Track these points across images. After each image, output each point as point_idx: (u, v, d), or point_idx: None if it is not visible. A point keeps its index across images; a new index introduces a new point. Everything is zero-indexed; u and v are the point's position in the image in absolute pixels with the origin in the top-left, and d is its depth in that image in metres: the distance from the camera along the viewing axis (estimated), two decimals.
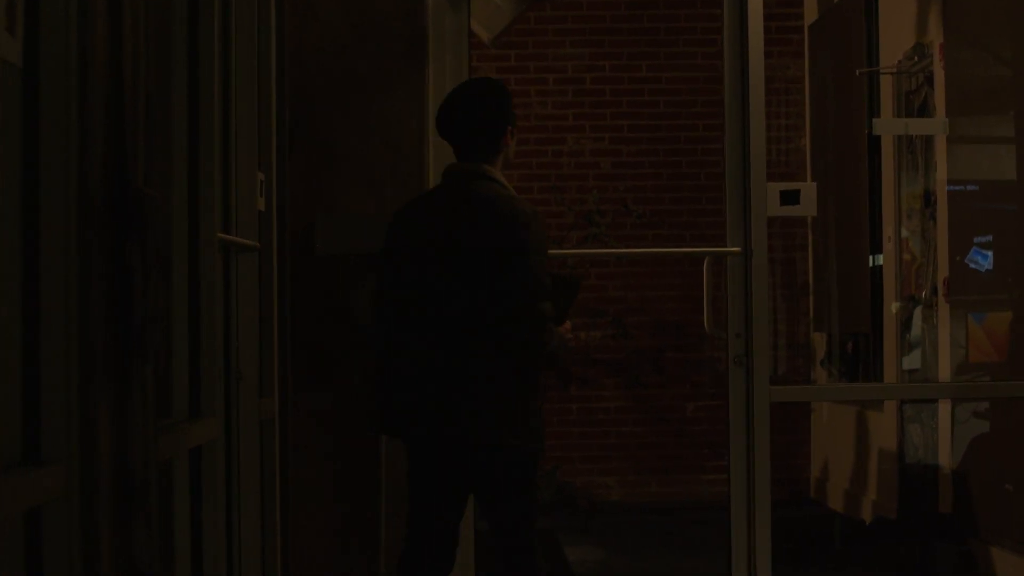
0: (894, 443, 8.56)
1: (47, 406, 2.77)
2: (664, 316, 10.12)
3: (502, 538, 4.81)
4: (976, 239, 7.48)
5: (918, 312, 8.31)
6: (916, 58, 8.19)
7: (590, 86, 10.31)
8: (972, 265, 7.51)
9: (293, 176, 5.70)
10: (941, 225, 7.85)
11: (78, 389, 2.77)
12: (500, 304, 4.70)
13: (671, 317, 10.10)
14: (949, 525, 7.58)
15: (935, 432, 8.04)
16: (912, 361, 8.40)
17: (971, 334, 7.54)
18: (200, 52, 4.32)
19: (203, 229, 4.28)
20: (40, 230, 2.77)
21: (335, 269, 5.74)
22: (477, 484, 4.81)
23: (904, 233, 8.45)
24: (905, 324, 8.45)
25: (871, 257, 8.61)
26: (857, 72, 8.37)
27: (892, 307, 8.58)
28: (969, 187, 7.73)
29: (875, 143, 8.52)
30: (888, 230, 8.56)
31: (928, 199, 8.16)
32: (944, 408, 7.86)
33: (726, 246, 5.79)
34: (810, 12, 9.89)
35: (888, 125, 8.26)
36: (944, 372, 7.78)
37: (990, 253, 7.39)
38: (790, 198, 5.73)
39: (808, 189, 5.79)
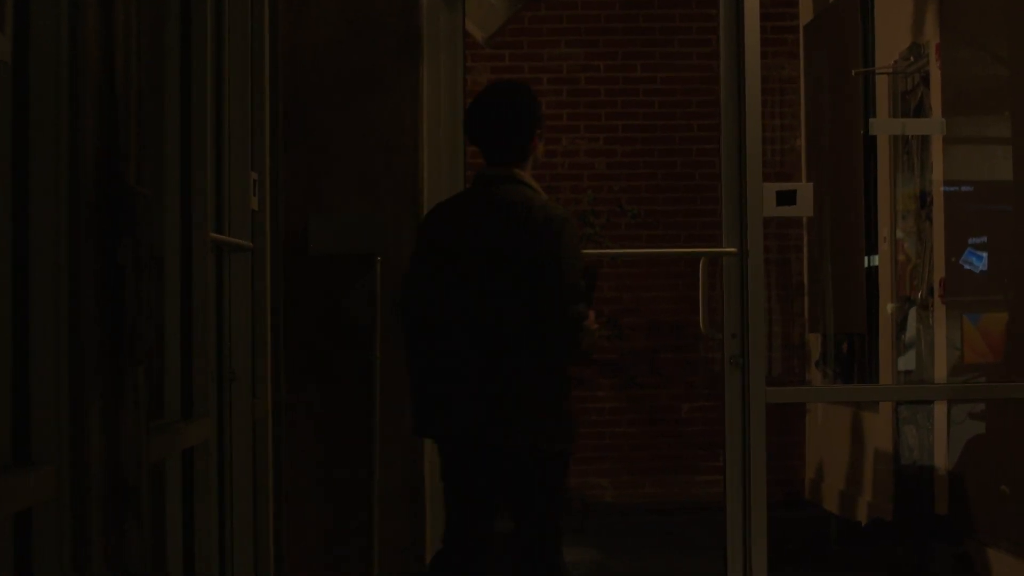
0: (889, 444, 8.54)
1: (37, 407, 2.74)
2: (659, 317, 10.10)
3: (528, 539, 4.83)
4: (970, 240, 7.47)
5: (913, 313, 8.30)
6: (912, 58, 8.17)
7: (584, 86, 10.29)
8: (967, 266, 7.50)
9: (286, 175, 5.68)
10: (937, 226, 7.83)
11: (69, 389, 2.75)
12: (534, 307, 4.73)
13: (666, 318, 10.08)
14: (945, 526, 7.57)
15: (931, 433, 8.02)
16: (907, 362, 8.39)
17: (966, 335, 7.53)
18: (193, 50, 4.30)
19: (196, 228, 4.26)
20: (30, 228, 2.74)
21: (328, 269, 5.73)
22: (510, 485, 4.83)
23: (899, 234, 8.43)
24: (900, 325, 8.44)
25: (867, 258, 8.60)
26: (853, 72, 8.35)
27: (887, 308, 8.56)
28: (965, 188, 7.71)
29: (871, 143, 8.50)
30: (884, 231, 8.54)
31: (924, 200, 8.14)
32: (940, 409, 7.85)
33: (722, 246, 5.77)
34: (805, 12, 9.87)
35: (885, 125, 8.24)
36: (940, 373, 7.77)
37: (984, 254, 7.37)
38: (786, 198, 5.71)
39: (804, 189, 5.77)
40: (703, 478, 10.06)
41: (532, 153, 4.99)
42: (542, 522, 4.83)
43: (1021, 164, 6.90)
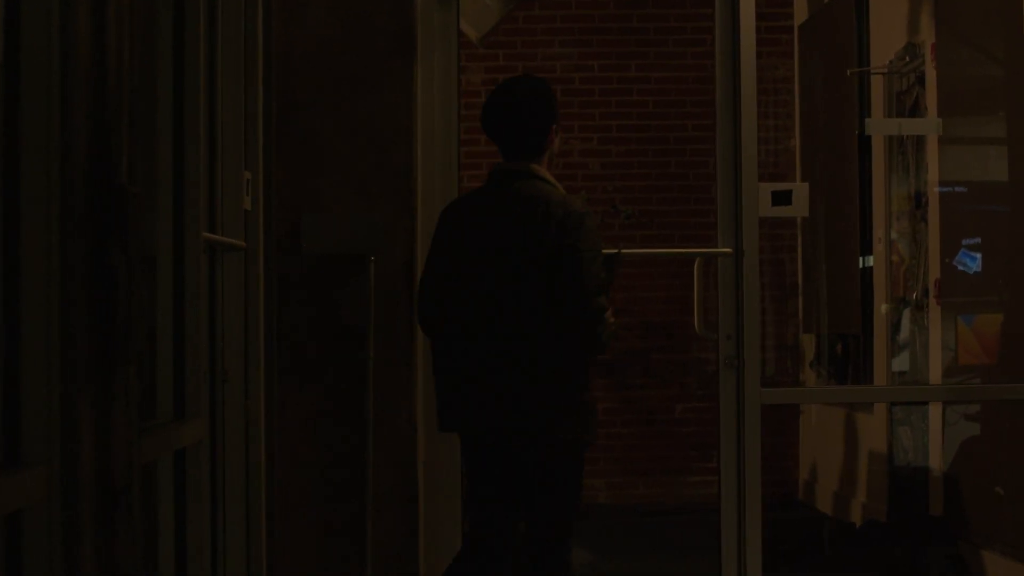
0: (884, 445, 8.53)
1: (28, 408, 2.73)
2: (653, 317, 10.08)
3: (541, 531, 4.89)
4: (964, 241, 7.46)
5: (907, 314, 8.28)
6: (907, 58, 8.16)
7: (579, 86, 10.27)
8: (960, 267, 7.49)
9: (279, 175, 5.67)
10: (932, 226, 7.82)
11: (60, 390, 2.74)
12: (555, 301, 4.79)
13: (660, 318, 10.06)
14: (940, 528, 7.56)
15: (925, 434, 8.01)
16: (901, 363, 8.38)
17: (960, 336, 7.52)
18: (186, 48, 4.28)
19: (188, 228, 4.24)
20: (21, 227, 2.72)
21: (322, 269, 5.71)
22: (529, 477, 4.88)
23: (893, 235, 8.42)
24: (895, 326, 8.42)
25: (861, 258, 8.59)
26: (848, 72, 8.34)
27: (882, 308, 8.55)
28: (961, 188, 7.70)
29: (865, 144, 8.49)
30: (878, 231, 8.53)
31: (919, 200, 8.13)
32: (935, 410, 7.84)
33: (716, 247, 5.76)
34: (800, 12, 9.86)
35: (881, 125, 8.23)
36: (935, 374, 7.76)
37: (978, 255, 7.36)
38: (782, 199, 5.70)
39: (800, 189, 5.76)
40: (697, 479, 10.04)
41: (548, 148, 5.04)
42: (556, 514, 4.88)
43: (1017, 164, 6.89)
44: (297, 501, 5.68)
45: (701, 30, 10.10)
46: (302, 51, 5.73)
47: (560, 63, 10.25)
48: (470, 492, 4.99)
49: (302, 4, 5.73)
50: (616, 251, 5.10)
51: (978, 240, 7.38)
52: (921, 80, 7.98)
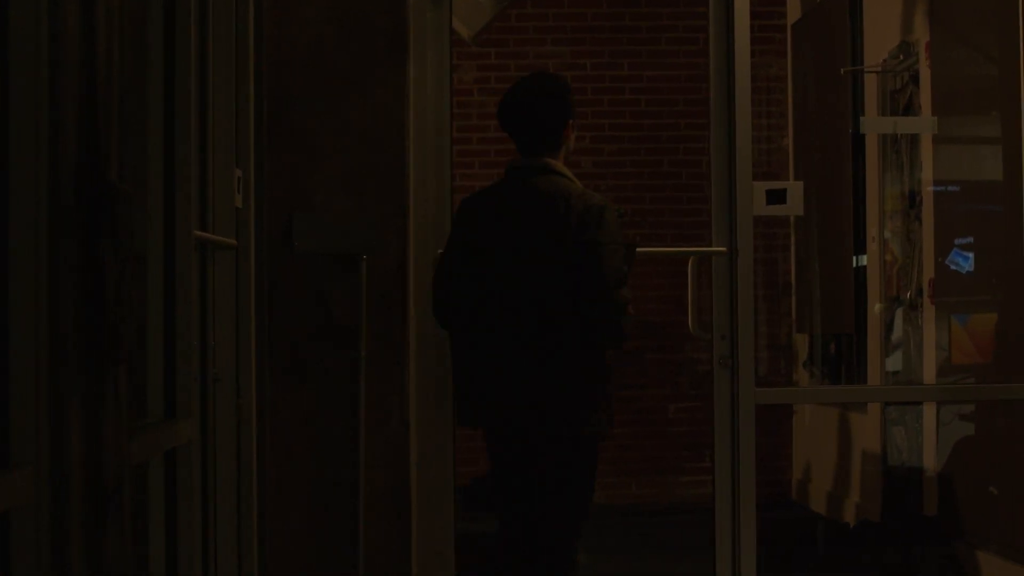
0: (877, 445, 8.51)
1: (16, 407, 2.70)
2: (645, 317, 10.06)
3: (550, 530, 4.94)
4: (957, 241, 7.44)
5: (900, 313, 8.27)
6: (901, 56, 8.14)
7: (571, 84, 10.23)
8: (953, 267, 7.47)
9: (271, 173, 5.65)
10: (927, 225, 7.80)
11: (48, 390, 2.71)
12: (577, 295, 4.83)
13: (652, 318, 10.04)
14: (934, 528, 7.54)
15: (919, 434, 7.99)
16: (895, 363, 8.36)
17: (954, 336, 7.50)
18: (176, 45, 4.25)
19: (179, 226, 4.21)
20: (9, 225, 2.70)
21: (313, 267, 5.69)
22: (547, 472, 4.93)
23: (886, 234, 8.40)
24: (888, 325, 8.41)
25: (855, 258, 8.57)
26: (842, 71, 8.32)
27: (875, 308, 8.53)
28: (955, 187, 7.68)
29: (859, 142, 8.48)
30: (872, 230, 8.51)
31: (913, 199, 8.11)
32: (929, 410, 7.82)
33: (710, 246, 5.74)
34: (793, 11, 9.84)
35: (876, 124, 8.22)
36: (929, 374, 7.74)
37: (971, 255, 7.35)
38: (776, 197, 5.69)
39: (795, 188, 5.74)
40: (689, 479, 10.02)
41: (565, 143, 5.08)
42: (568, 511, 4.95)
43: (1010, 164, 6.86)
44: (289, 501, 5.66)
45: (693, 29, 10.08)
46: (294, 49, 5.71)
47: (552, 61, 10.22)
48: (496, 485, 5.06)
49: (294, 2, 5.71)
50: (633, 243, 5.13)
51: (971, 240, 7.36)
52: (915, 79, 7.96)
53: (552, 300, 4.86)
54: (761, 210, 5.69)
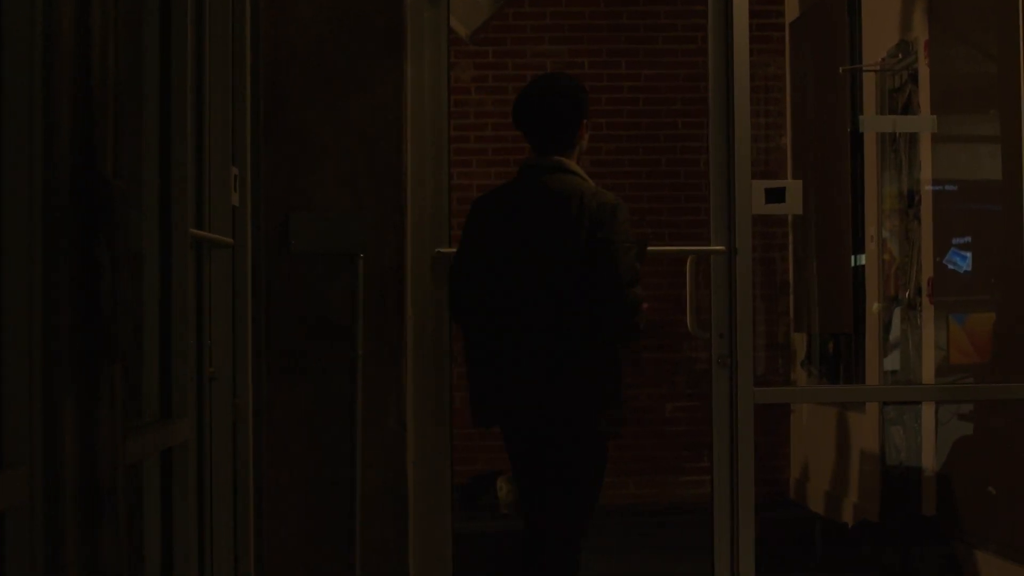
0: (876, 444, 8.49)
1: (10, 407, 2.68)
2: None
3: (555, 527, 4.99)
4: (954, 240, 7.43)
5: (898, 312, 8.25)
6: (900, 55, 8.13)
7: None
8: (951, 266, 7.46)
9: (268, 171, 5.63)
10: (926, 225, 7.79)
11: (43, 389, 2.69)
12: (590, 294, 4.86)
13: (650, 316, 10.01)
14: (932, 528, 7.52)
15: (918, 434, 7.97)
16: (893, 362, 8.35)
17: (952, 335, 7.49)
18: (173, 42, 4.23)
19: (175, 224, 4.19)
20: (2, 222, 2.68)
21: (310, 266, 5.67)
22: (559, 471, 4.97)
23: (884, 233, 8.39)
24: (887, 325, 8.39)
25: (853, 257, 8.55)
26: (840, 70, 8.30)
27: (873, 307, 8.51)
28: (954, 187, 7.66)
29: (858, 141, 8.46)
30: (871, 230, 8.50)
31: (912, 198, 8.09)
32: (927, 410, 7.80)
33: (708, 244, 5.72)
34: (791, 9, 9.83)
35: (875, 122, 8.20)
36: (928, 374, 7.72)
37: (969, 254, 7.33)
38: (775, 196, 5.67)
39: (794, 187, 5.73)
40: (686, 479, 10.00)
41: (579, 142, 5.12)
42: (574, 509, 4.99)
43: (1010, 163, 6.85)
44: (286, 501, 5.65)
45: (692, 27, 10.07)
46: (291, 47, 5.69)
47: (550, 60, 10.20)
48: (516, 481, 5.13)
49: (291, 0, 5.69)
50: (644, 240, 5.15)
51: (968, 239, 7.35)
52: (914, 78, 7.94)
53: (565, 299, 4.88)
54: (760, 209, 5.67)
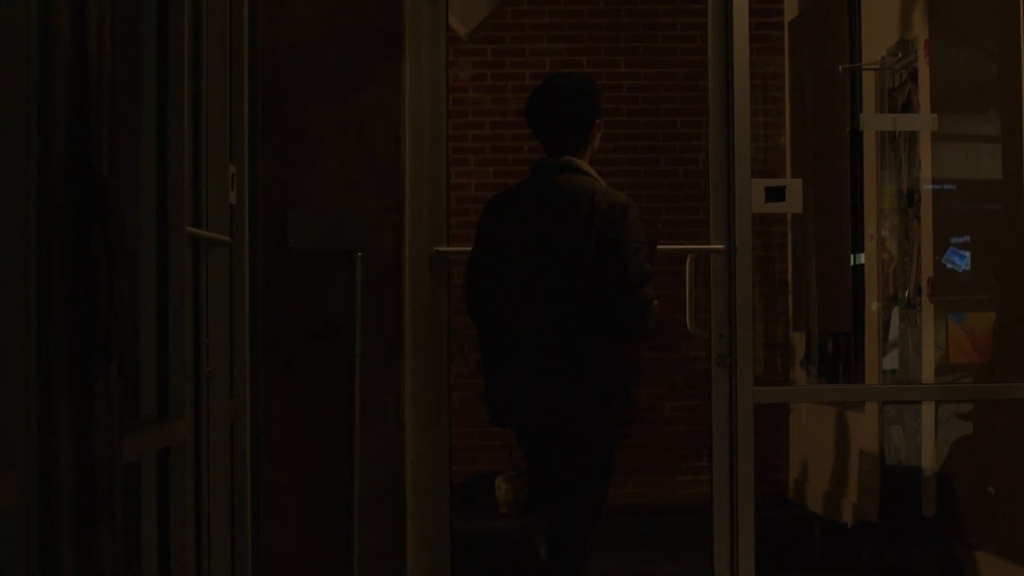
0: (875, 444, 8.48)
1: (5, 407, 2.66)
2: None
3: (564, 526, 5.01)
4: (953, 240, 7.41)
5: (896, 312, 8.24)
6: (900, 54, 8.11)
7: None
8: (949, 265, 7.44)
9: (266, 169, 5.61)
10: (925, 224, 7.77)
11: (38, 389, 2.67)
12: (600, 294, 4.87)
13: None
14: (932, 528, 7.51)
15: (917, 433, 7.96)
16: (891, 361, 8.33)
17: (951, 335, 7.48)
18: (170, 39, 4.21)
19: (172, 223, 4.17)
20: None
21: (308, 265, 5.66)
22: (569, 470, 4.99)
23: (883, 233, 8.37)
24: (886, 324, 8.37)
25: (852, 256, 8.54)
26: (839, 68, 8.29)
27: (872, 307, 8.50)
28: (954, 185, 7.65)
29: (857, 140, 8.44)
30: (870, 229, 8.48)
31: (912, 197, 8.08)
32: (927, 409, 7.79)
33: (708, 243, 5.71)
34: (790, 8, 9.81)
35: (876, 121, 8.18)
36: (928, 373, 7.71)
37: (967, 253, 7.32)
38: (775, 194, 5.65)
39: (794, 185, 5.71)
40: (685, 478, 9.99)
41: (591, 142, 5.15)
42: (583, 509, 5.00)
43: (1010, 162, 6.83)
44: (283, 500, 5.63)
45: (691, 26, 10.05)
46: (289, 44, 5.67)
47: (549, 59, 10.18)
48: (533, 479, 5.16)
49: None
50: (654, 235, 5.15)
51: (967, 238, 7.33)
52: (914, 76, 7.92)
53: (575, 299, 4.89)
54: (760, 207, 5.65)
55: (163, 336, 4.16)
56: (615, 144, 10.17)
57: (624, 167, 10.14)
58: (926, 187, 7.81)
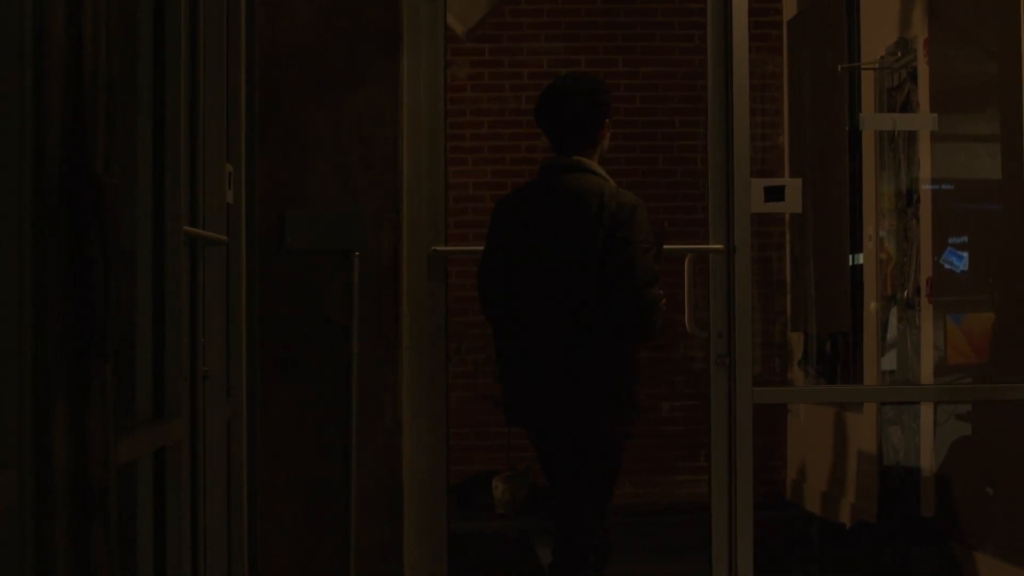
0: (873, 445, 8.46)
1: None
2: None
3: (574, 523, 5.02)
4: (951, 240, 7.40)
5: (894, 312, 8.22)
6: (899, 53, 8.09)
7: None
8: (947, 266, 7.43)
9: (263, 168, 5.60)
10: (924, 224, 7.76)
11: (32, 389, 2.65)
12: (608, 294, 4.87)
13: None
14: (931, 529, 7.49)
15: (916, 434, 7.94)
16: (889, 362, 8.32)
17: (949, 335, 7.46)
18: (167, 36, 4.19)
19: (169, 222, 4.15)
20: None
21: (306, 264, 5.64)
22: (574, 468, 5.00)
23: (881, 232, 8.36)
24: (884, 324, 8.36)
25: (851, 256, 8.52)
26: (838, 68, 8.27)
27: (871, 307, 8.49)
28: (954, 185, 7.63)
29: (856, 140, 8.43)
30: (869, 229, 8.47)
31: (911, 197, 8.06)
32: (926, 410, 7.77)
33: (706, 243, 5.69)
34: (789, 7, 9.80)
35: (875, 120, 8.16)
36: (927, 374, 7.69)
37: (965, 254, 7.30)
38: (774, 194, 5.64)
39: (793, 185, 5.69)
40: (683, 478, 9.97)
41: (600, 143, 5.17)
42: (595, 499, 5.00)
43: (1009, 162, 6.82)
44: (279, 501, 5.62)
45: (689, 25, 10.03)
46: (287, 43, 5.66)
47: (547, 58, 10.17)
48: (547, 480, 5.16)
49: None
50: (662, 230, 5.16)
51: (965, 239, 7.32)
52: (913, 76, 7.91)
53: (583, 299, 4.89)
54: (759, 207, 5.64)
55: (159, 336, 4.14)
56: (613, 143, 10.06)
57: (622, 166, 10.11)
58: (925, 187, 7.79)
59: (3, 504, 2.62)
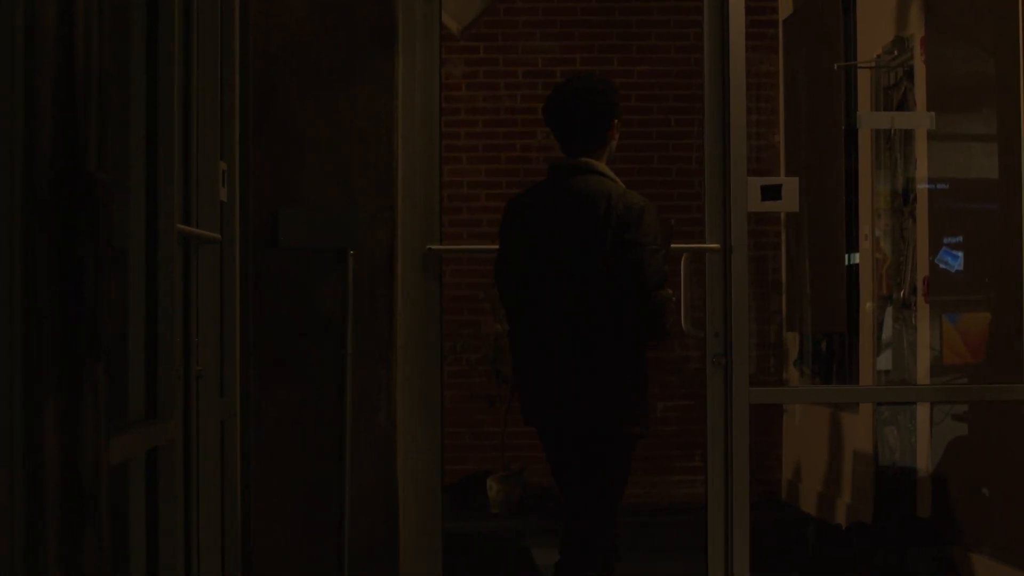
0: (869, 445, 8.45)
1: None
2: None
3: (586, 525, 5.04)
4: (946, 239, 7.39)
5: (890, 312, 8.21)
6: (896, 52, 8.08)
7: (560, 79, 10.16)
8: (942, 266, 7.42)
9: (257, 166, 5.58)
10: (921, 223, 7.74)
11: (23, 388, 2.63)
12: (616, 296, 4.88)
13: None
14: (927, 530, 7.48)
15: (912, 434, 7.93)
16: (884, 362, 8.31)
17: (945, 335, 7.45)
18: (160, 33, 4.17)
19: (162, 220, 4.14)
20: None
21: (300, 262, 5.62)
22: (583, 469, 5.02)
23: (876, 232, 8.34)
24: (880, 324, 8.35)
25: (847, 255, 8.51)
26: (835, 67, 8.26)
27: (867, 306, 8.48)
28: (949, 185, 7.62)
29: (852, 139, 8.41)
30: (865, 228, 8.46)
31: (907, 197, 8.05)
32: (922, 410, 7.76)
33: (702, 242, 5.68)
34: (785, 6, 9.78)
35: (873, 118, 8.15)
36: (923, 373, 7.68)
37: (960, 254, 7.29)
38: (771, 193, 5.62)
39: (790, 184, 5.67)
40: (679, 478, 9.96)
41: (609, 143, 5.13)
42: (604, 500, 5.03)
43: (1006, 161, 6.80)
44: (274, 500, 5.60)
45: (684, 24, 10.02)
46: (281, 40, 5.64)
47: (541, 56, 10.15)
48: (555, 480, 5.18)
49: None
50: (669, 227, 5.15)
51: (960, 239, 7.30)
52: (910, 75, 7.89)
53: (592, 300, 4.91)
54: (756, 206, 5.62)
55: (152, 334, 4.12)
56: None
57: (617, 165, 10.01)
58: (921, 186, 7.78)
59: None
